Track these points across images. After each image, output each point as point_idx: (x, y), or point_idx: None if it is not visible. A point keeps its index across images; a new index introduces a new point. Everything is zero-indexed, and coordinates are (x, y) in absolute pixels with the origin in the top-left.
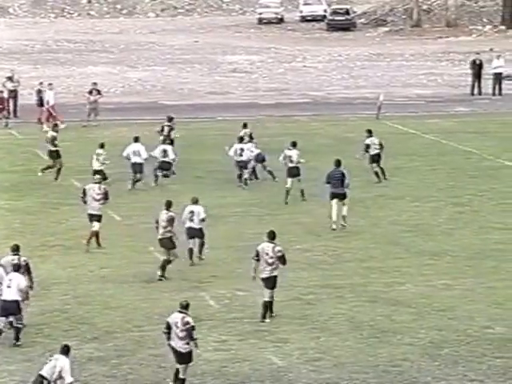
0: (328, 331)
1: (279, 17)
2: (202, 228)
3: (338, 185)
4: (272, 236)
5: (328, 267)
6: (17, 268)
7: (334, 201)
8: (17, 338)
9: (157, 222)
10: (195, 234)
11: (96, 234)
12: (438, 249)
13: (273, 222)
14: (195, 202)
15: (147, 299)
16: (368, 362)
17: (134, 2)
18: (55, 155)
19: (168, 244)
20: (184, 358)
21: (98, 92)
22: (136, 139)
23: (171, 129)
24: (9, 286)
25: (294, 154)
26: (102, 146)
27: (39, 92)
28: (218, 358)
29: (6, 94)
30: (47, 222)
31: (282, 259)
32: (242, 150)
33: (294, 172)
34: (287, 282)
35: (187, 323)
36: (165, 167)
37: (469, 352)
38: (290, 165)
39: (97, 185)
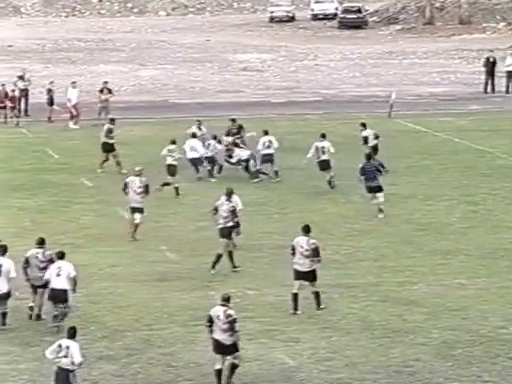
0: (340, 331)
1: (290, 15)
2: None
3: (372, 178)
4: (307, 229)
5: (340, 266)
6: (61, 255)
7: (371, 195)
8: (57, 326)
9: (215, 210)
10: (227, 234)
11: (136, 226)
12: (451, 248)
13: (283, 221)
14: (230, 193)
15: (158, 298)
16: (380, 362)
17: (145, 0)
18: (109, 148)
19: (228, 234)
20: (230, 349)
21: (109, 91)
22: (194, 135)
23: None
24: (58, 275)
25: (326, 144)
26: (173, 142)
27: (49, 91)
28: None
29: (17, 93)
30: (58, 221)
31: (315, 252)
32: (208, 145)
33: (324, 165)
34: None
35: (229, 316)
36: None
37: (482, 352)
38: (323, 157)
39: (137, 177)
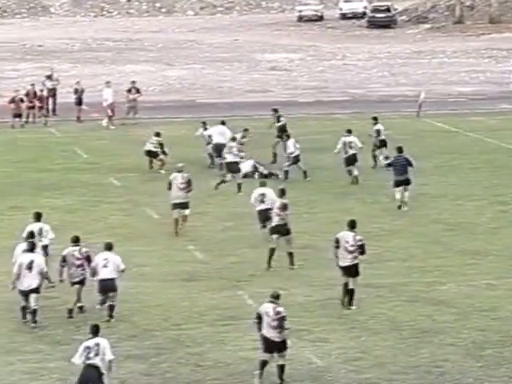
0: (368, 331)
1: (319, 14)
2: (272, 208)
3: (402, 171)
4: (352, 225)
5: (368, 266)
6: (109, 247)
7: (399, 188)
8: (110, 316)
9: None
10: (267, 215)
11: (183, 220)
12: (481, 248)
13: (311, 220)
14: (264, 184)
15: (186, 298)
16: (409, 363)
17: (174, 0)
18: (154, 155)
19: (283, 230)
20: (279, 346)
21: (137, 90)
22: (233, 139)
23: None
24: (105, 266)
25: (353, 139)
26: (233, 139)
27: (76, 91)
28: (256, 357)
29: (45, 93)
30: (87, 220)
31: (362, 248)
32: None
33: (351, 160)
34: (326, 282)
35: (279, 313)
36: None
37: None
38: (350, 152)
39: (180, 174)
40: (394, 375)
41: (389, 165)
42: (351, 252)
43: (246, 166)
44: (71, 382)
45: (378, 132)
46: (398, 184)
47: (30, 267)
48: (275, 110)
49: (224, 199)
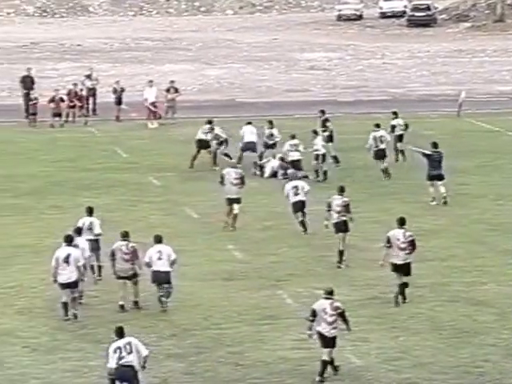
0: (408, 331)
1: (358, 13)
2: (306, 200)
3: (436, 166)
4: (402, 222)
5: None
6: (159, 240)
7: (431, 182)
8: (164, 306)
9: (329, 207)
10: (301, 206)
11: (235, 216)
12: None
13: (351, 220)
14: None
15: (226, 297)
16: (449, 363)
17: None
18: (205, 145)
19: (342, 227)
20: (330, 342)
21: (176, 90)
22: (292, 136)
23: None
24: (160, 258)
25: (383, 133)
26: (293, 136)
27: (115, 91)
28: (295, 356)
29: (85, 92)
30: (127, 220)
31: (412, 244)
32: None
33: (381, 154)
34: (366, 281)
35: (337, 308)
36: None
37: None
38: (381, 146)
39: (233, 169)
40: (434, 375)
41: (425, 155)
42: (403, 249)
43: (273, 165)
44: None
45: (394, 127)
46: (431, 178)
47: (66, 261)
48: (322, 112)
49: (263, 198)
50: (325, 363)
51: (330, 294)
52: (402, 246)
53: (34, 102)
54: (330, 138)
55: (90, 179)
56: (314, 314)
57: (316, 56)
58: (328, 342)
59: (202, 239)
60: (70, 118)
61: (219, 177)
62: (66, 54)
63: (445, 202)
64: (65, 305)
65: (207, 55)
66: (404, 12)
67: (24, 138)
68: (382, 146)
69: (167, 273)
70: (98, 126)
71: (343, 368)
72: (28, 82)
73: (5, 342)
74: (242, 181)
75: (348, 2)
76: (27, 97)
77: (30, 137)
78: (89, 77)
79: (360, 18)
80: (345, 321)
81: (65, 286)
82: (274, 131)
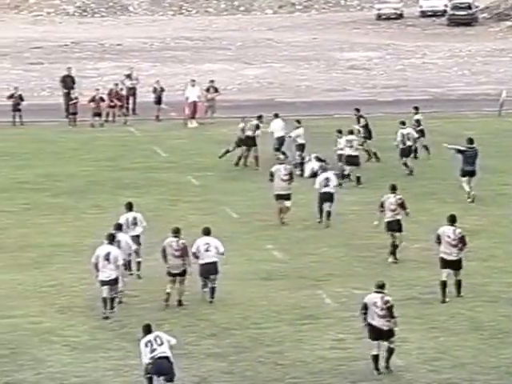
0: (448, 331)
1: (398, 12)
2: (334, 192)
3: (471, 162)
4: (452, 219)
5: None
6: (208, 232)
7: (465, 178)
8: (212, 297)
9: (382, 207)
10: (329, 197)
11: (286, 210)
12: None
13: None
14: (326, 170)
15: (265, 297)
16: (489, 363)
17: None
18: (252, 142)
19: (396, 226)
20: (386, 334)
21: (215, 89)
22: (351, 132)
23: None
24: (207, 250)
25: (410, 131)
26: (351, 132)
27: (155, 90)
28: (335, 356)
29: (124, 92)
30: (166, 219)
31: (463, 240)
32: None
33: (407, 151)
34: (406, 281)
35: (387, 302)
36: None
37: None
38: (408, 143)
39: (283, 165)
40: (475, 375)
41: (460, 151)
42: (455, 246)
43: (313, 166)
44: (152, 379)
45: (418, 122)
46: (464, 174)
47: (107, 258)
48: (357, 110)
49: (303, 198)
50: (376, 357)
51: (381, 287)
52: (453, 242)
53: (75, 101)
54: (369, 135)
55: (130, 179)
56: (365, 307)
57: (356, 55)
58: (382, 334)
59: (241, 239)
60: (110, 118)
61: (269, 174)
62: (106, 54)
63: (472, 201)
64: (104, 300)
65: (247, 55)
66: (444, 11)
67: (64, 138)
68: (409, 143)
69: (215, 263)
70: (138, 126)
71: (383, 368)
72: (68, 82)
73: (45, 341)
74: (291, 177)
75: (388, 1)
76: (67, 96)
77: (70, 136)
78: (129, 76)
79: (400, 17)
80: (392, 316)
81: (105, 283)
82: (301, 131)
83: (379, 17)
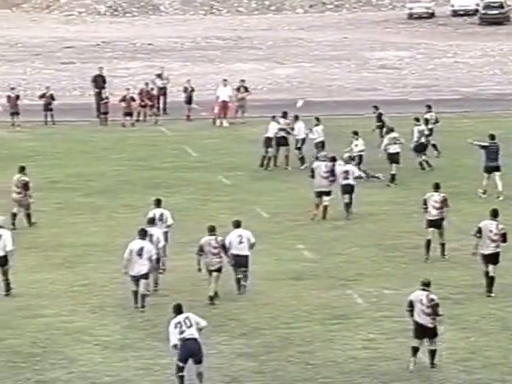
0: (479, 331)
1: (430, 11)
2: (354, 185)
3: (494, 158)
4: (495, 214)
5: (478, 266)
6: (238, 224)
7: (487, 175)
8: (240, 288)
9: (424, 204)
10: (349, 189)
11: (325, 208)
12: None
13: (422, 220)
14: (348, 162)
15: (295, 296)
16: None
17: None
18: (284, 142)
19: (439, 222)
20: (431, 332)
21: (246, 89)
22: (391, 129)
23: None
24: (241, 242)
25: (424, 127)
26: (392, 129)
27: (186, 90)
28: (365, 356)
29: (155, 91)
30: (196, 218)
31: (504, 236)
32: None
33: (421, 147)
34: (436, 281)
35: (432, 300)
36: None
37: None
38: (422, 139)
39: (323, 163)
40: (506, 376)
41: (483, 147)
42: (495, 241)
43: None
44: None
45: (427, 120)
46: (488, 170)
47: (140, 253)
48: (376, 107)
49: (333, 198)
50: (415, 349)
51: (426, 285)
52: (495, 237)
53: (106, 101)
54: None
55: (161, 178)
56: (410, 304)
57: (387, 55)
58: (427, 332)
59: (271, 238)
60: (141, 117)
61: (309, 170)
62: (137, 53)
63: (497, 197)
64: (135, 293)
65: (277, 54)
66: (476, 10)
67: (95, 137)
68: (423, 140)
69: (247, 257)
70: (169, 125)
71: (413, 368)
72: (100, 82)
73: (77, 340)
74: (331, 174)
75: (419, 0)
76: (99, 96)
77: (101, 136)
78: (159, 76)
79: (431, 16)
80: (436, 314)
81: (136, 278)
82: (319, 129)
83: (411, 16)
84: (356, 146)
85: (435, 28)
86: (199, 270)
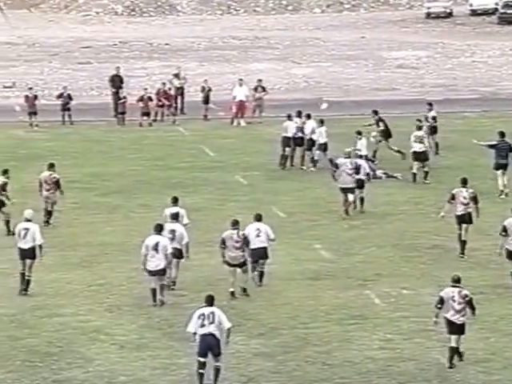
0: (498, 332)
1: (448, 11)
2: (365, 179)
3: (504, 155)
4: None
5: (498, 267)
6: (259, 218)
7: (500, 171)
8: (260, 281)
9: (452, 199)
10: (361, 184)
11: (349, 204)
12: None
13: (440, 220)
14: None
15: (312, 296)
16: None
17: None
18: (299, 142)
19: (467, 218)
20: (459, 328)
21: (263, 89)
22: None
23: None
24: (258, 236)
25: (423, 134)
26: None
27: (203, 89)
28: (383, 356)
29: (173, 91)
30: (213, 218)
31: None
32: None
33: (423, 157)
34: None
35: (466, 296)
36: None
37: None
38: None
39: (348, 160)
40: None
41: (491, 146)
42: None
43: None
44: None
45: (434, 118)
46: (498, 167)
47: (156, 248)
48: (375, 112)
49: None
50: (453, 349)
51: (457, 281)
52: None
53: (123, 100)
54: (388, 135)
55: (178, 178)
56: (441, 301)
57: (404, 54)
58: (457, 328)
59: (288, 238)
60: (159, 117)
61: (334, 166)
62: (154, 53)
63: (505, 194)
64: (153, 291)
65: (294, 54)
66: (495, 9)
67: (112, 137)
68: (424, 149)
69: (265, 248)
70: (186, 125)
71: (432, 369)
72: (117, 81)
73: (94, 339)
74: (356, 171)
75: (437, 0)
76: (116, 96)
77: (119, 135)
78: (177, 76)
79: (450, 15)
80: (473, 308)
81: (153, 273)
82: (323, 130)
83: (428, 15)
84: (361, 145)
85: (453, 27)
86: (224, 262)
